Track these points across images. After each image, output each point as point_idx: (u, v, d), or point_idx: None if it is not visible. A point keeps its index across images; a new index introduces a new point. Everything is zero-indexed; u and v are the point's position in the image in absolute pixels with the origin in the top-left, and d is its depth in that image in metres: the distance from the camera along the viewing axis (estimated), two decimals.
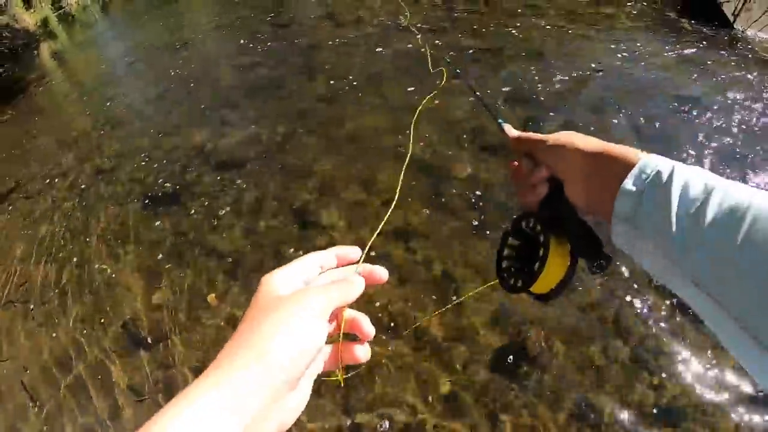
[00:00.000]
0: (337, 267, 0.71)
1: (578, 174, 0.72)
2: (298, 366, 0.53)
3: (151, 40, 10.17)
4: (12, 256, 4.73)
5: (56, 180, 5.73)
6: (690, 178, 0.59)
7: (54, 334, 3.67)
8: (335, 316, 0.64)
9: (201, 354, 3.19)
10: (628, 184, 0.63)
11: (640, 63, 5.09)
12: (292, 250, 3.69)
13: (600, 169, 0.69)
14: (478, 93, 1.10)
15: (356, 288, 0.64)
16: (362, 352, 0.65)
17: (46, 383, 3.36)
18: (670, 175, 0.60)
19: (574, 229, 0.75)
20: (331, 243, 3.62)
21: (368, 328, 0.65)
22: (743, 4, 5.64)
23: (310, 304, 0.57)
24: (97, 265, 4.17)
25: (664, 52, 5.24)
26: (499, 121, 0.94)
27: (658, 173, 0.61)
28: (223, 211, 4.27)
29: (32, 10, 19.65)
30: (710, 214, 0.54)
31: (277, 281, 0.62)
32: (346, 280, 0.65)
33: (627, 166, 0.65)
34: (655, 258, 0.61)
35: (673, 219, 0.57)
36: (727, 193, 0.55)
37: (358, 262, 0.72)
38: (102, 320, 3.65)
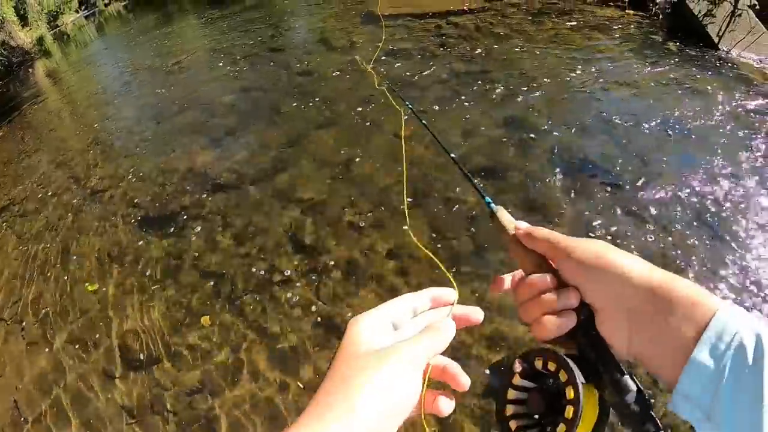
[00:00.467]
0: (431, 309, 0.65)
1: (624, 312, 0.57)
2: (391, 423, 0.51)
3: (146, 62, 10.26)
4: (4, 274, 4.74)
5: (50, 199, 5.76)
6: None
7: (45, 354, 3.67)
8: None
9: (194, 376, 3.19)
10: (703, 354, 0.50)
11: (628, 85, 5.20)
12: (288, 272, 3.71)
13: (658, 313, 0.54)
14: (453, 156, 0.99)
15: (447, 335, 0.58)
16: (446, 405, 0.57)
17: (36, 403, 3.34)
18: (757, 349, 0.47)
19: (613, 376, 0.58)
20: (325, 267, 3.67)
21: (463, 379, 0.57)
22: (727, 26, 5.81)
23: (403, 358, 0.53)
24: (89, 285, 4.19)
25: (652, 74, 5.36)
26: (488, 201, 0.77)
27: (741, 346, 0.48)
28: (218, 234, 4.29)
29: (28, 28, 19.75)
30: None
31: (366, 327, 0.57)
32: (437, 327, 0.59)
33: (696, 319, 0.52)
34: None
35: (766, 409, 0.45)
36: None
37: (452, 303, 0.65)
38: (94, 341, 3.65)
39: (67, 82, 11.59)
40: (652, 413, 0.55)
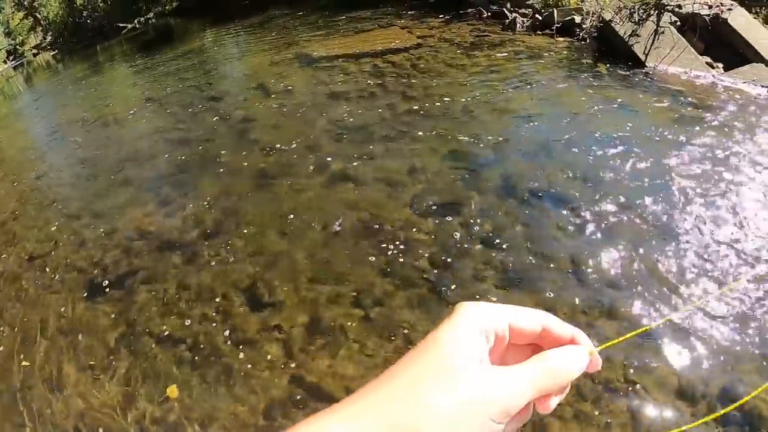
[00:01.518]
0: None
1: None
2: None
3: (79, 115, 9.97)
4: None
5: None
6: None
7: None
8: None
9: None
10: None
11: (564, 108, 5.45)
12: (248, 332, 3.61)
13: None
14: None
15: (572, 370, 0.49)
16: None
17: None
18: None
19: None
20: (284, 321, 3.63)
21: (554, 401, 0.48)
22: (652, 44, 6.17)
23: (501, 395, 0.44)
24: (38, 362, 3.92)
25: (586, 95, 5.64)
26: None
27: None
28: (171, 295, 4.14)
29: None
30: None
31: (476, 323, 0.47)
32: (562, 359, 0.48)
33: None
34: None
35: None
36: None
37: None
38: (49, 424, 3.41)
39: None
40: None
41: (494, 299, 3.32)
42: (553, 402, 0.47)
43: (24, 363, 4.00)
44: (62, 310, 4.41)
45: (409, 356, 0.46)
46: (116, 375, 3.61)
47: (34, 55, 24.74)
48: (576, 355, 0.49)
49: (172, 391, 3.35)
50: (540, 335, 0.50)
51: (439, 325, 0.47)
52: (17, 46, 25.99)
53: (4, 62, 23.91)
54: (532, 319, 0.50)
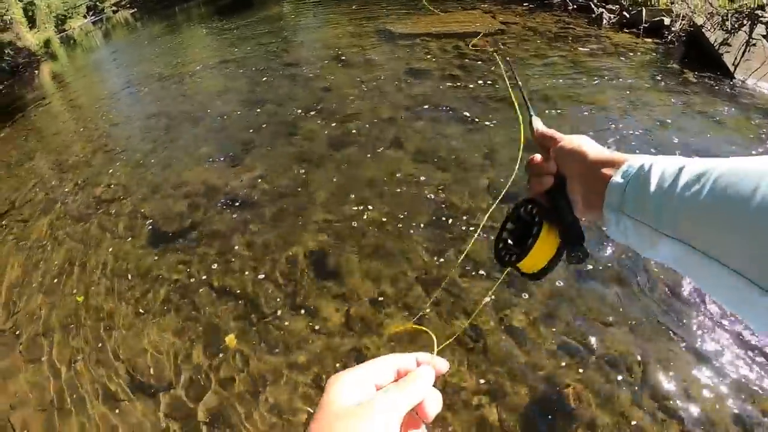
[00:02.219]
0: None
1: (578, 175, 0.80)
2: None
3: (154, 71, 10.10)
4: (3, 281, 4.53)
5: (53, 205, 5.56)
6: (667, 164, 0.65)
7: (45, 373, 3.43)
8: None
9: (218, 401, 2.96)
10: (616, 178, 0.71)
11: (647, 113, 5.12)
12: (306, 299, 3.48)
13: (596, 173, 0.75)
14: (520, 83, 1.12)
15: (425, 383, 0.59)
16: None
17: (30, 422, 3.13)
18: (651, 165, 0.67)
19: (565, 219, 0.82)
20: (350, 292, 3.47)
21: (430, 410, 0.59)
22: (743, 55, 5.77)
23: (379, 409, 0.54)
24: (95, 301, 3.94)
25: (670, 102, 5.29)
26: (531, 114, 0.99)
27: (641, 166, 0.68)
28: (234, 253, 4.05)
29: (36, 30, 19.73)
30: (683, 179, 0.61)
31: (347, 383, 0.57)
32: (413, 376, 0.59)
33: (618, 165, 0.73)
34: (641, 234, 0.67)
35: (652, 189, 0.64)
36: (695, 163, 0.62)
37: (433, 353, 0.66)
38: (101, 363, 3.39)
39: (73, 87, 11.44)
40: (584, 238, 0.80)
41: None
42: (430, 411, 0.58)
43: (78, 298, 4.03)
44: (123, 254, 4.41)
45: (313, 426, 0.53)
46: (171, 322, 3.57)
47: (114, 12, 25.45)
48: (422, 371, 0.60)
49: (231, 340, 3.28)
50: (400, 374, 0.61)
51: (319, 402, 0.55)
52: (98, 2, 26.76)
53: (84, 17, 24.71)
54: (386, 369, 0.60)
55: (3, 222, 5.62)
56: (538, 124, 0.96)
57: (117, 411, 3.05)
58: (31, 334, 3.82)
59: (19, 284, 4.43)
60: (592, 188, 0.76)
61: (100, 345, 3.54)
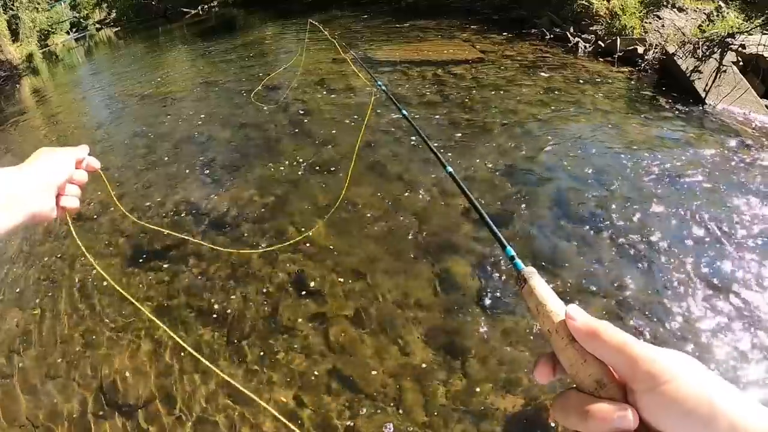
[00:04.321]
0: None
1: None
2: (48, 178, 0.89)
3: (136, 90, 10.13)
4: None
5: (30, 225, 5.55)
6: None
7: (22, 388, 3.42)
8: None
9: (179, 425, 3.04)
10: None
11: (620, 137, 5.34)
12: (287, 317, 3.55)
13: None
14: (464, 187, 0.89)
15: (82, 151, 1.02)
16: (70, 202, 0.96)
17: None
18: None
19: None
20: (329, 308, 3.57)
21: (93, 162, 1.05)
22: (713, 81, 6.04)
23: (62, 153, 0.96)
24: (74, 318, 3.92)
25: (643, 126, 5.53)
26: (511, 255, 0.66)
27: None
28: (210, 274, 4.10)
29: (18, 44, 19.63)
30: None
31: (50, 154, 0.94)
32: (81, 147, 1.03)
33: None
34: None
35: None
36: None
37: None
38: (79, 380, 3.38)
39: (54, 103, 11.41)
40: None
41: None
42: (69, 202, 0.96)
43: (56, 317, 3.96)
44: (105, 270, 4.36)
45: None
46: (151, 341, 3.55)
47: (97, 29, 25.44)
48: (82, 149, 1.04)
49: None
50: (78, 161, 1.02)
51: None
52: (81, 20, 26.72)
53: (68, 33, 24.64)
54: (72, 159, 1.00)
55: None
56: (554, 300, 0.55)
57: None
58: (8, 350, 3.80)
59: None
60: None
61: (81, 364, 3.52)
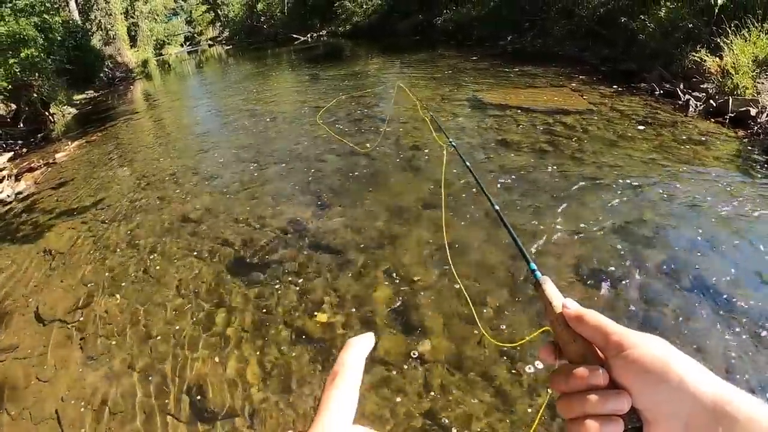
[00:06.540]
0: None
1: (680, 428, 0.50)
2: None
3: (245, 106, 10.40)
4: (76, 275, 4.57)
5: (135, 214, 5.68)
6: None
7: (102, 375, 3.36)
8: None
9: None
10: None
11: (729, 201, 4.89)
12: (384, 353, 3.26)
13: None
14: (509, 227, 0.92)
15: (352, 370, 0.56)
16: None
17: (78, 424, 3.03)
18: None
19: None
20: (431, 347, 3.25)
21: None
22: None
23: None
24: (163, 315, 3.87)
25: (755, 194, 5.07)
26: (533, 268, 0.73)
27: None
28: (314, 295, 3.91)
29: (136, 49, 20.96)
30: None
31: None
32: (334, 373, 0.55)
33: None
34: None
35: None
36: None
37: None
38: (164, 381, 3.28)
39: (164, 107, 11.95)
40: None
41: None
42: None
43: (149, 310, 3.97)
44: (201, 275, 4.35)
45: None
46: (243, 353, 3.42)
47: (209, 45, 26.79)
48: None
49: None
50: None
51: None
52: (195, 35, 28.35)
53: (181, 45, 26.18)
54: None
55: (84, 217, 5.77)
56: (554, 292, 0.66)
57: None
58: (95, 335, 3.78)
59: (91, 281, 4.48)
60: None
61: (166, 363, 3.42)
